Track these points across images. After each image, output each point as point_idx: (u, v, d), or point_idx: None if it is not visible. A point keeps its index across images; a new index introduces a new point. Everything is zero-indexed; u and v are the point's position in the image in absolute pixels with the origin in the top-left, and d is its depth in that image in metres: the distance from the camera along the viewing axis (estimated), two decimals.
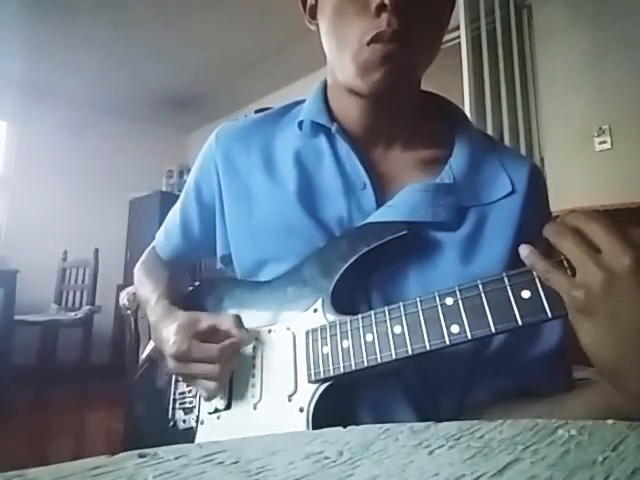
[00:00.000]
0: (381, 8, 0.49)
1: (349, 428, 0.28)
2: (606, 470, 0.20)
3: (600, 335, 0.37)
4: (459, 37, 2.51)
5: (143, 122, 4.76)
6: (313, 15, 0.60)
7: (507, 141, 2.57)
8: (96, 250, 3.45)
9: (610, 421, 0.28)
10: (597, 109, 2.39)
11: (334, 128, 0.59)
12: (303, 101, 0.67)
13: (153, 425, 0.66)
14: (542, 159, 2.60)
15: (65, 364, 3.32)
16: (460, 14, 2.49)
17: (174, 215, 0.75)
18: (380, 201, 0.56)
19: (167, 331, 0.57)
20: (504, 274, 0.42)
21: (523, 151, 2.59)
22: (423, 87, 0.63)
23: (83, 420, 2.88)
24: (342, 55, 0.54)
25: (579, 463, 0.21)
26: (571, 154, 2.48)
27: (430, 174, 0.57)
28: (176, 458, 0.22)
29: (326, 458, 0.23)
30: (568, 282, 0.37)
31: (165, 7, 3.04)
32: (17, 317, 2.98)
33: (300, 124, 0.63)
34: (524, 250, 0.40)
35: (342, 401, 0.52)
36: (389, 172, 0.59)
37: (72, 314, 3.34)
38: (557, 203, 2.31)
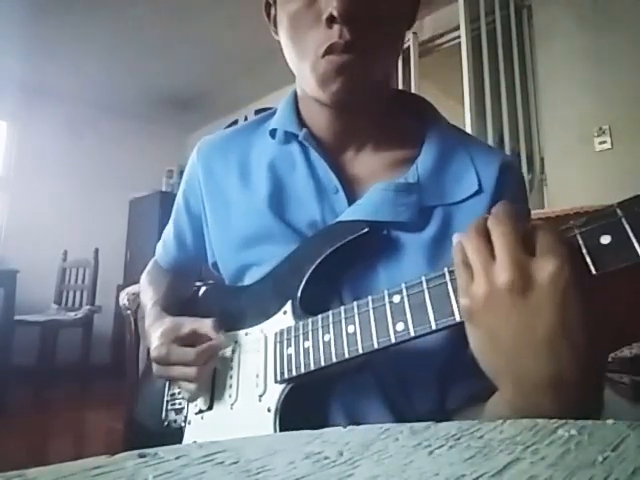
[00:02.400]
0: (331, 20, 0.49)
1: (349, 428, 0.28)
2: (606, 470, 0.20)
3: (479, 344, 0.37)
4: (459, 37, 2.51)
5: (143, 122, 4.76)
6: (277, 25, 0.60)
7: (507, 141, 2.57)
8: (96, 250, 3.45)
9: (610, 421, 0.28)
10: (597, 109, 2.39)
11: (302, 135, 0.60)
12: None
13: (153, 426, 0.67)
14: (542, 159, 2.61)
15: (65, 364, 3.32)
16: (460, 14, 2.49)
17: (169, 226, 0.78)
18: (352, 204, 0.56)
19: (153, 336, 0.60)
20: (446, 269, 0.40)
21: (523, 151, 2.59)
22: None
23: (83, 420, 2.88)
24: (302, 66, 0.54)
25: (579, 463, 0.21)
26: (571, 154, 2.48)
27: (399, 174, 0.57)
28: (176, 458, 0.22)
29: (326, 458, 0.23)
30: (464, 286, 0.36)
31: (165, 7, 3.04)
32: (17, 317, 2.98)
33: (272, 133, 0.63)
34: (454, 238, 0.39)
35: (313, 402, 0.52)
36: (361, 174, 0.59)
37: (72, 314, 3.35)
38: (557, 203, 2.30)
